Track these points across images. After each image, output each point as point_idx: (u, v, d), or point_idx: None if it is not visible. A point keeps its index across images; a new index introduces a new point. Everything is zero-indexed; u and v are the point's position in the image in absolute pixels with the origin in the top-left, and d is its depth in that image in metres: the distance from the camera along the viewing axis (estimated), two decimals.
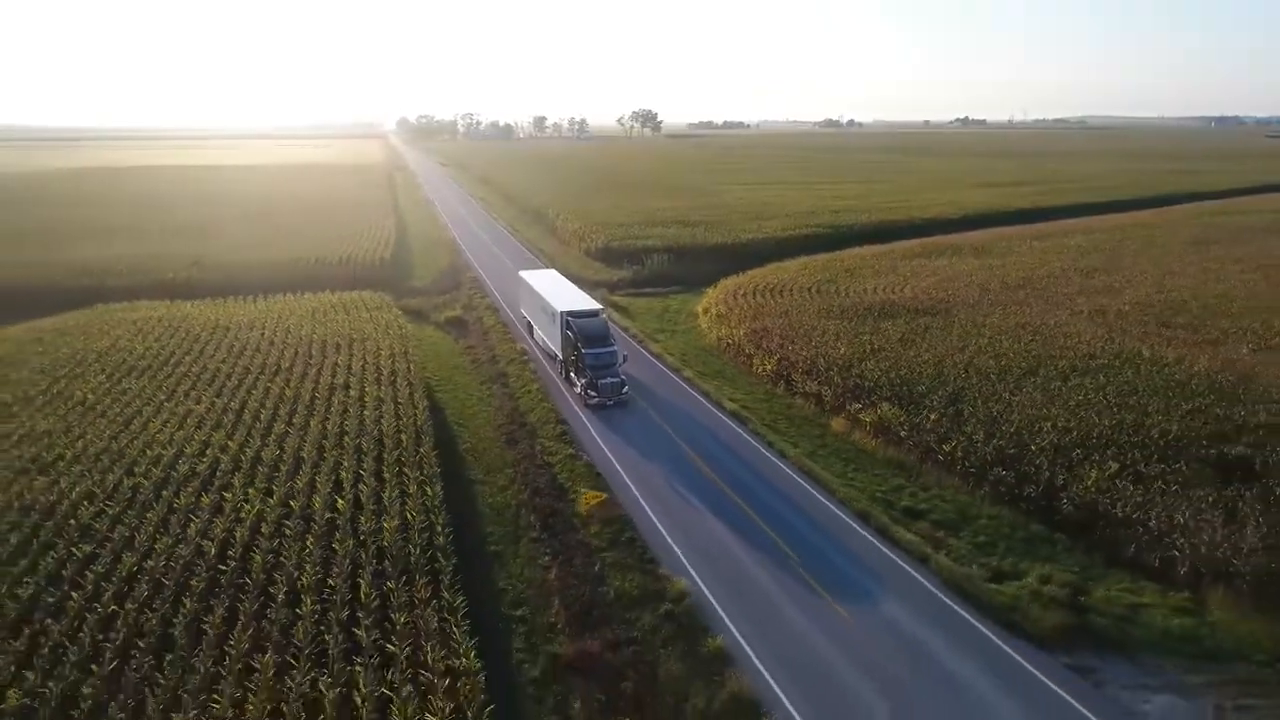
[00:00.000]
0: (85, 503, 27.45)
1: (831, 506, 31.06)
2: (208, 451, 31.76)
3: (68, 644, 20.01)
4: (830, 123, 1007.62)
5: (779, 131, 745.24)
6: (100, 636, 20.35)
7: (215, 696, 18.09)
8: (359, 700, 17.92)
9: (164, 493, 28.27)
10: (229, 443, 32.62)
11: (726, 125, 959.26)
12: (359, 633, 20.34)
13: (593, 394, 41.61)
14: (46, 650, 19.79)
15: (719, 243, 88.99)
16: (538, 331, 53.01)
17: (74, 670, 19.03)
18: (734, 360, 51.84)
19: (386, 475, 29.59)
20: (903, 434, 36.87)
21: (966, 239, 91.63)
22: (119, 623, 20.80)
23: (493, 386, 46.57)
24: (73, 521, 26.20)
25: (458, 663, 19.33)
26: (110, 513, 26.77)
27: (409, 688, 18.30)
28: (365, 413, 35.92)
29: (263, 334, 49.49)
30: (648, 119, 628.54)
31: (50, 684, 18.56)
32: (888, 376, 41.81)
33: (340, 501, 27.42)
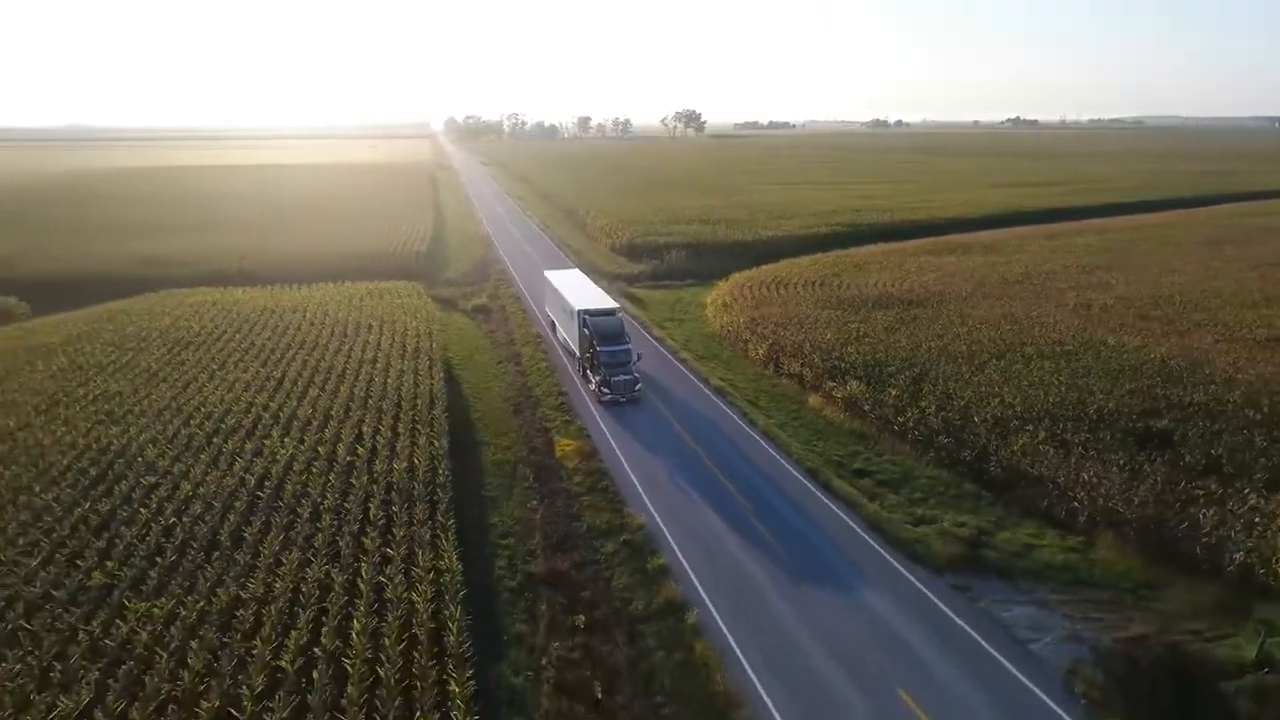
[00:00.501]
0: (150, 446, 32.84)
1: (787, 465, 35.28)
2: (251, 409, 37.07)
3: (137, 544, 25.17)
4: (877, 123, 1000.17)
5: (824, 132, 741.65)
6: (163, 540, 25.50)
7: (250, 580, 23.06)
8: (361, 586, 22.74)
9: (214, 440, 33.58)
10: (270, 403, 37.92)
11: (772, 125, 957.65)
12: (366, 540, 25.20)
13: (606, 391, 42.71)
14: (121, 547, 24.96)
15: (738, 239, 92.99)
16: (560, 330, 54.20)
17: (142, 562, 24.15)
18: (732, 346, 56.00)
19: (401, 430, 34.54)
20: (866, 408, 40.90)
21: (979, 237, 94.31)
22: (177, 530, 25.96)
23: (507, 365, 51.45)
24: (140, 459, 31.57)
25: (443, 563, 24.05)
26: (170, 454, 32.11)
27: (401, 578, 23.07)
28: (388, 381, 41.01)
29: (304, 316, 55.00)
30: (691, 119, 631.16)
31: (124, 570, 23.70)
32: (864, 359, 45.62)
33: (360, 449, 32.47)
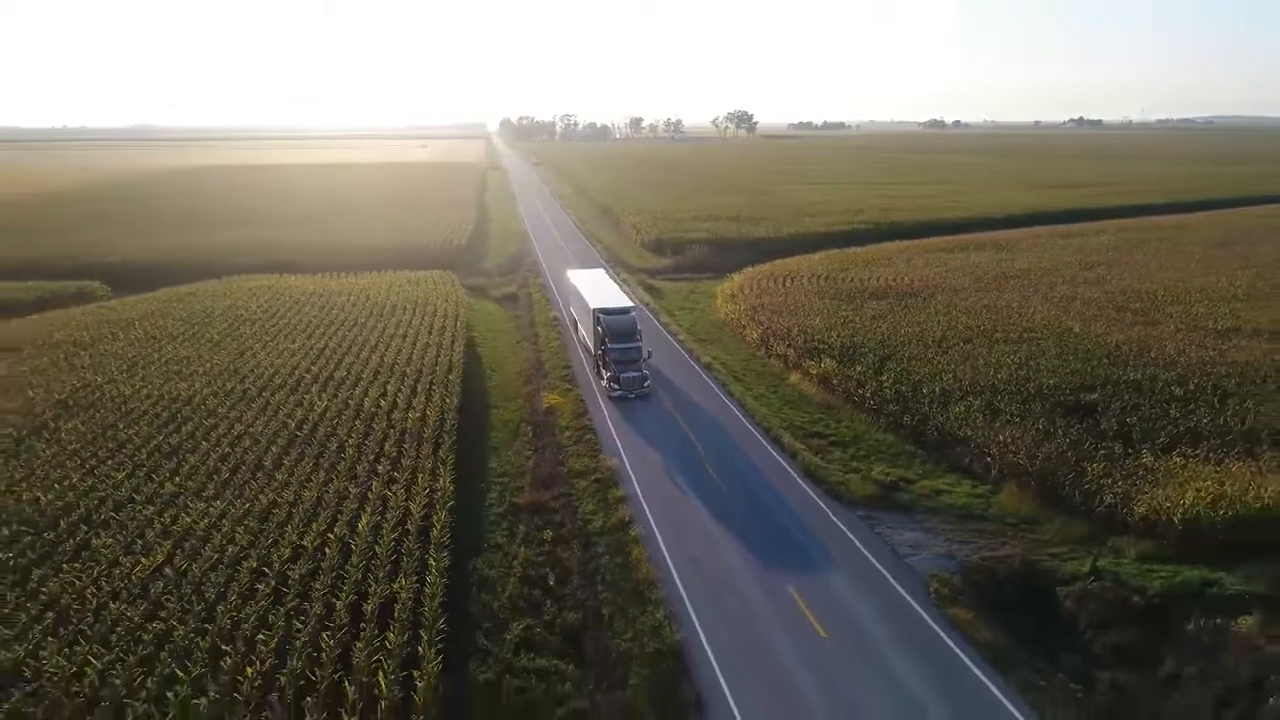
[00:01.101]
0: (211, 397, 39.38)
1: (749, 426, 40.44)
2: (295, 371, 43.48)
3: (199, 465, 31.47)
4: (934, 123, 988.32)
5: (879, 133, 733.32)
6: (219, 463, 31.76)
7: (285, 491, 29.11)
8: (370, 496, 28.62)
9: (263, 394, 39.98)
10: (311, 367, 44.29)
11: (826, 126, 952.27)
12: (379, 467, 31.15)
13: (615, 387, 44.24)
14: (187, 469, 31.27)
15: (760, 236, 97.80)
16: (580, 328, 55.56)
17: (203, 478, 30.40)
18: (732, 331, 61.01)
19: (419, 390, 40.52)
20: (835, 383, 45.71)
21: (997, 236, 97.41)
22: (230, 457, 32.25)
23: (525, 343, 57.35)
24: (203, 407, 38.09)
25: (438, 485, 29.83)
26: (227, 403, 38.59)
27: (403, 493, 28.90)
28: (414, 352, 47.14)
29: (346, 299, 61.60)
30: (743, 120, 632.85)
31: (189, 482, 29.98)
32: (843, 342, 50.32)
33: (383, 403, 38.52)
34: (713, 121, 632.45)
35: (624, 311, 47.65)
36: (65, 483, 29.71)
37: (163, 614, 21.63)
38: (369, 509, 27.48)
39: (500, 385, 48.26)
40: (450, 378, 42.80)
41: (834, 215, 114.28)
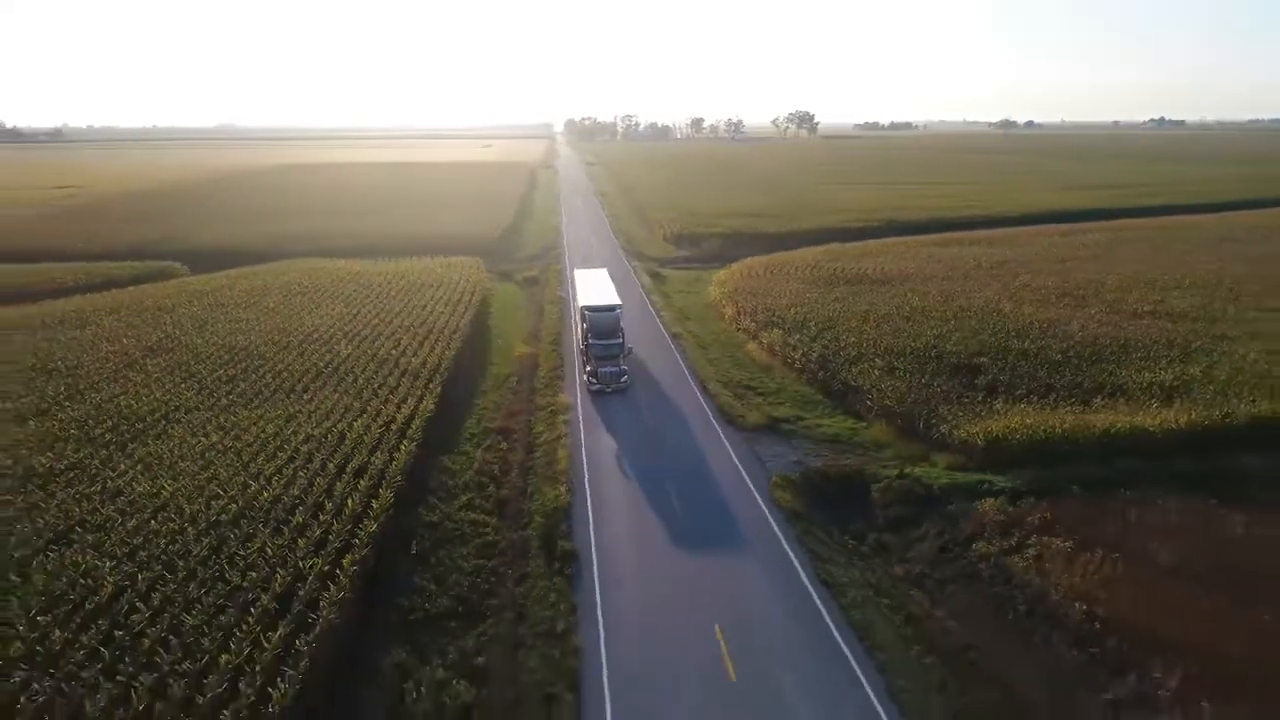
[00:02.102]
0: (262, 346, 49.75)
1: (690, 379, 49.18)
2: (329, 330, 53.68)
3: (250, 389, 41.62)
4: (1006, 124, 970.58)
5: (945, 133, 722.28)
6: (263, 388, 41.87)
7: (306, 405, 39.02)
8: (369, 409, 38.30)
9: (302, 345, 50.21)
10: (344, 327, 54.45)
11: (893, 127, 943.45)
12: (381, 392, 40.88)
13: (593, 381, 46.72)
14: (238, 391, 41.47)
15: (771, 231, 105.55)
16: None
17: (251, 397, 40.51)
18: (714, 310, 69.39)
19: (425, 344, 50.25)
20: (777, 349, 53.99)
21: (998, 233, 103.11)
22: (272, 385, 42.34)
23: (532, 317, 66.80)
24: (255, 353, 48.43)
25: (423, 405, 39.34)
26: (274, 351, 48.85)
27: (395, 409, 38.51)
28: (428, 317, 56.96)
29: (383, 278, 71.93)
30: (803, 120, 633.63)
31: (241, 398, 40.10)
32: (796, 318, 58.35)
33: (394, 351, 48.36)
34: (773, 122, 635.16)
35: (609, 310, 49.85)
36: (151, 397, 40.16)
37: (217, 469, 31.42)
38: (365, 416, 37.15)
39: (502, 347, 57.73)
40: (453, 336, 52.42)
41: (850, 213, 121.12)
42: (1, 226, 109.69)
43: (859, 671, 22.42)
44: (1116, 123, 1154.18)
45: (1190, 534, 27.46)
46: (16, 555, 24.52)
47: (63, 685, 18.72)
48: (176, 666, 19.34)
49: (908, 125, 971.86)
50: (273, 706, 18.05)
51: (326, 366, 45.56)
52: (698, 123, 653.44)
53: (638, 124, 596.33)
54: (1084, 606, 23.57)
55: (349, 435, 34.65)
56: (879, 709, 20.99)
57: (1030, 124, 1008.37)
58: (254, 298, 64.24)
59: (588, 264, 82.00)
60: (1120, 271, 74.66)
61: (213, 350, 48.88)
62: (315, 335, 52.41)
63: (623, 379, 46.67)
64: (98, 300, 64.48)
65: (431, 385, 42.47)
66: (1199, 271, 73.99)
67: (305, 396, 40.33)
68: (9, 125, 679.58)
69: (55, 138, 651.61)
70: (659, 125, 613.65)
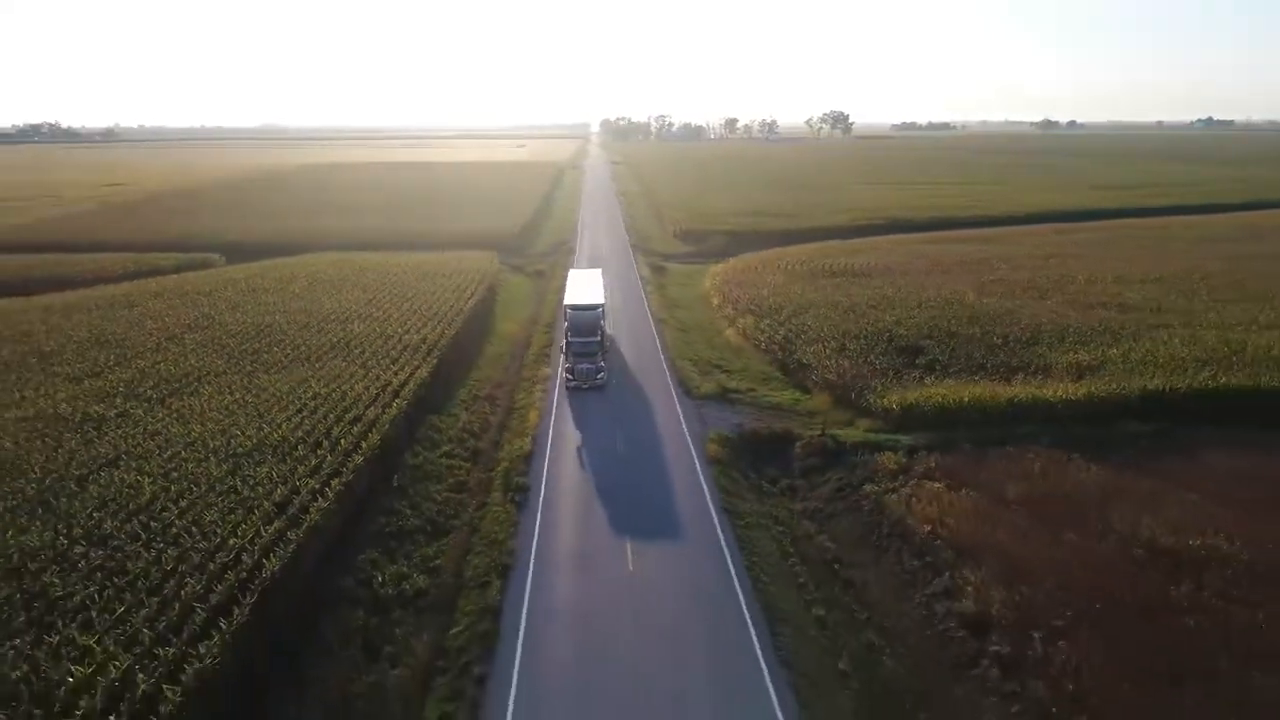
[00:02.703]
0: (286, 325, 56.15)
1: (661, 357, 54.63)
2: (346, 312, 59.99)
3: (270, 359, 47.96)
4: (1046, 124, 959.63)
5: (983, 134, 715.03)
6: (282, 357, 48.18)
7: (321, 371, 45.23)
8: (370, 375, 44.40)
9: (321, 324, 56.53)
10: (359, 310, 60.74)
11: (931, 127, 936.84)
12: (383, 362, 46.98)
13: (570, 377, 47.95)
14: (261, 361, 47.81)
15: (774, 229, 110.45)
16: None
17: (269, 363, 46.84)
18: (702, 300, 74.69)
19: (430, 324, 56.32)
20: (749, 333, 59.23)
21: (994, 232, 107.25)
22: (289, 355, 48.64)
23: (533, 305, 72.70)
24: (278, 330, 54.85)
25: (419, 373, 45.32)
26: (294, 329, 55.22)
27: (394, 376, 44.55)
28: (436, 303, 63.09)
29: (402, 269, 78.31)
30: (837, 120, 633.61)
31: (260, 366, 46.44)
32: (771, 305, 63.50)
33: (401, 329, 54.48)
34: (806, 122, 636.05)
35: (590, 309, 50.90)
36: (186, 364, 46.68)
37: (237, 416, 37.56)
38: (367, 379, 43.25)
39: (503, 331, 63.68)
40: (455, 318, 58.48)
41: (859, 212, 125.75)
42: (59, 221, 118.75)
43: (733, 572, 27.78)
44: (1160, 123, 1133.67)
45: (1041, 479, 32.33)
46: (77, 473, 30.84)
47: (112, 554, 24.84)
48: (195, 545, 25.34)
49: (945, 126, 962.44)
50: (266, 573, 23.95)
51: (339, 341, 51.80)
52: (731, 123, 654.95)
53: (671, 124, 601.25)
54: (930, 529, 28.67)
55: (350, 394, 40.70)
56: (741, 597, 26.33)
57: (1073, 124, 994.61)
58: (282, 285, 70.94)
59: (596, 258, 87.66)
60: (1098, 268, 78.22)
61: (242, 328, 55.42)
62: (333, 316, 58.76)
63: (599, 375, 47.77)
64: (144, 285, 71.82)
65: (429, 357, 48.49)
66: (1173, 268, 77.34)
67: (318, 365, 46.54)
68: (65, 126, 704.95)
69: (108, 137, 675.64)
70: (692, 125, 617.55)
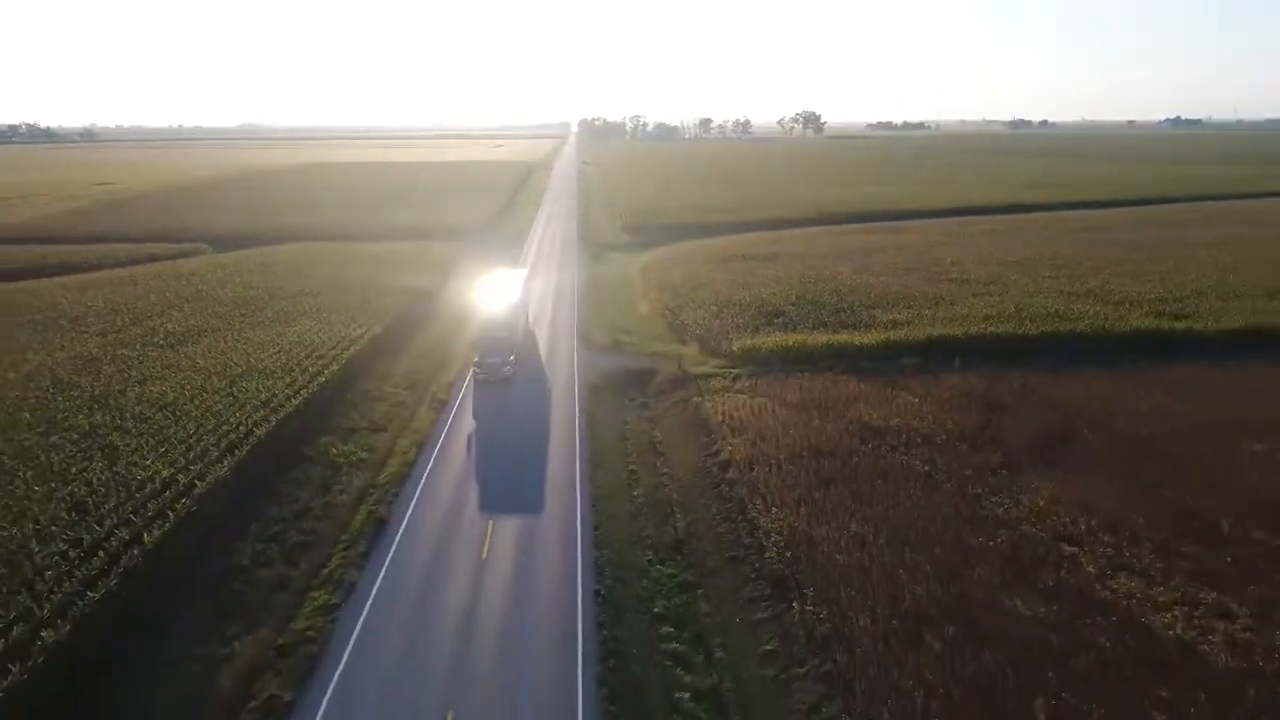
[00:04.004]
0: (266, 298, 68.14)
1: (574, 319, 66.99)
2: (320, 287, 71.98)
3: (257, 321, 60.00)
4: (1019, 123, 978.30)
5: (953, 133, 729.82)
6: (268, 320, 60.23)
7: (299, 326, 57.36)
8: (336, 333, 56.57)
9: (295, 296, 68.58)
10: (332, 286, 72.76)
11: (906, 126, 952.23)
12: (346, 324, 59.21)
13: (479, 370, 51.38)
14: (249, 323, 59.85)
15: (711, 222, 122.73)
16: None
17: (255, 323, 58.87)
18: (627, 282, 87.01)
19: (387, 297, 68.41)
20: (656, 306, 71.68)
21: (905, 225, 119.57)
22: (274, 318, 60.73)
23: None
24: (263, 302, 66.83)
25: (374, 330, 57.51)
26: (277, 300, 67.21)
27: (352, 334, 56.77)
28: (397, 281, 75.20)
29: (371, 256, 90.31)
30: (809, 120, 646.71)
31: (247, 324, 58.50)
32: (678, 283, 75.98)
33: (361, 300, 66.62)
34: (778, 122, 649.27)
35: (504, 311, 54.83)
36: (187, 324, 58.65)
37: (230, 355, 49.48)
38: (329, 333, 55.41)
39: (452, 305, 75.88)
40: (410, 292, 70.63)
41: (795, 206, 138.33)
42: (58, 216, 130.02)
43: (578, 444, 40.42)
44: (1131, 122, 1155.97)
45: (818, 391, 44.89)
46: (117, 387, 43.03)
47: (155, 427, 37.11)
48: (209, 423, 37.60)
49: (921, 125, 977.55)
50: (254, 437, 36.22)
51: (310, 309, 63.90)
52: (705, 123, 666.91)
53: (646, 124, 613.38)
54: (722, 419, 41.29)
55: (316, 342, 52.93)
56: (578, 455, 38.90)
57: (1045, 123, 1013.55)
58: (264, 267, 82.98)
59: (546, 245, 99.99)
60: (971, 253, 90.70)
61: (230, 299, 67.49)
62: (306, 291, 70.77)
63: (504, 369, 51.09)
64: (145, 269, 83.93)
65: (383, 319, 60.69)
66: (1034, 253, 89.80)
67: (292, 325, 58.65)
68: (43, 126, 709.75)
69: (87, 137, 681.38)
70: (667, 125, 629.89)
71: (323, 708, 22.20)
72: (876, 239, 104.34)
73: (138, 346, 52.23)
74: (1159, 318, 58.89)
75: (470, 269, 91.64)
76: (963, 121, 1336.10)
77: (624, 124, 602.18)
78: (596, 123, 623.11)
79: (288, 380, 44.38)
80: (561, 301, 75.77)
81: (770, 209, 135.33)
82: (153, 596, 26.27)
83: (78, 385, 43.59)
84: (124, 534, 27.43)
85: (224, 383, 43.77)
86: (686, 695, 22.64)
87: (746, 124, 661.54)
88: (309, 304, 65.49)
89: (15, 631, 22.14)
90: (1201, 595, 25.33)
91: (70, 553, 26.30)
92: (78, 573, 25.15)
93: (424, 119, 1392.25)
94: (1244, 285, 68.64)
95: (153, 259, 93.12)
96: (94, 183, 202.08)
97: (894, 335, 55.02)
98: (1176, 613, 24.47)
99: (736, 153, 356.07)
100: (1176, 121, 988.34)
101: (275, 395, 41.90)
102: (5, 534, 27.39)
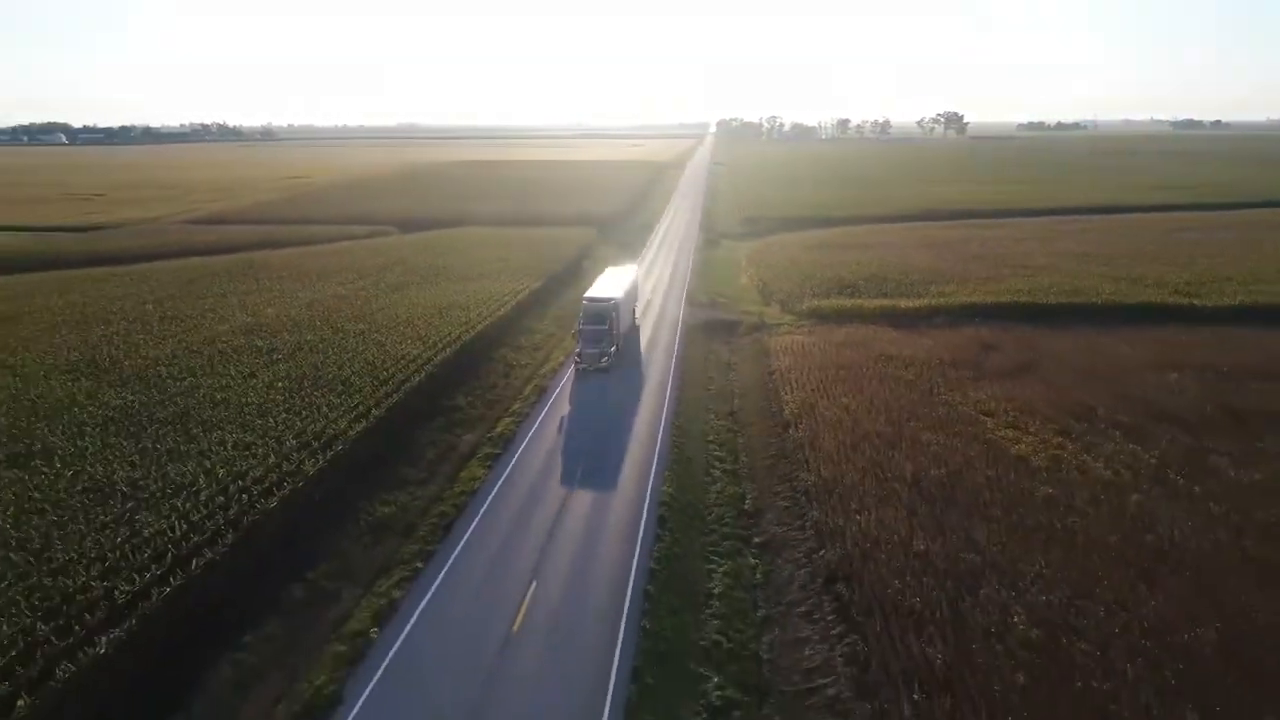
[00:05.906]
0: (447, 266, 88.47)
1: (682, 288, 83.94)
2: (484, 259, 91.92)
3: (439, 279, 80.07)
4: (1188, 123, 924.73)
5: (1109, 135, 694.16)
6: (444, 280, 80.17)
7: (469, 288, 76.93)
8: (491, 293, 75.72)
9: (470, 264, 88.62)
10: (494, 258, 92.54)
11: (1059, 127, 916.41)
12: (501, 285, 78.42)
13: (578, 359, 55.41)
14: (437, 280, 79.96)
15: (819, 215, 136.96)
16: None
17: (435, 281, 78.85)
18: (734, 263, 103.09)
19: (538, 266, 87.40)
20: (757, 279, 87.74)
21: (996, 222, 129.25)
22: (452, 281, 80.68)
23: (613, 261, 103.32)
24: (442, 269, 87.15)
25: (523, 290, 76.33)
26: (457, 266, 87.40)
27: (506, 292, 75.77)
28: (533, 261, 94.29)
29: (524, 238, 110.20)
30: (951, 120, 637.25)
31: (434, 286, 78.59)
32: (779, 264, 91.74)
33: (518, 269, 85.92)
34: (918, 123, 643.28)
35: (605, 300, 56.85)
36: (398, 279, 79.22)
37: (431, 302, 69.09)
38: (486, 293, 74.52)
39: (590, 271, 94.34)
40: (555, 262, 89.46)
41: (903, 204, 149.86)
42: (269, 204, 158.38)
43: (674, 362, 57.54)
44: None
45: (859, 335, 60.03)
46: (367, 311, 63.46)
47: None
48: (429, 330, 56.93)
49: (1075, 126, 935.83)
50: (462, 339, 55.10)
51: (485, 273, 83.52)
52: (843, 124, 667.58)
53: (782, 124, 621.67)
54: (782, 349, 57.34)
55: (493, 291, 72.15)
56: (671, 371, 55.95)
57: (1217, 124, 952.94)
58: (445, 243, 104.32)
59: (669, 237, 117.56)
60: (1050, 248, 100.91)
61: (424, 265, 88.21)
62: (478, 259, 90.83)
63: (602, 360, 54.88)
64: (350, 244, 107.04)
65: (530, 282, 79.40)
66: (1105, 250, 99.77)
67: (474, 282, 78.24)
68: (231, 125, 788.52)
69: (266, 135, 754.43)
70: (803, 126, 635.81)
71: (516, 457, 40.78)
72: (963, 233, 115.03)
73: (370, 290, 73.14)
74: (1172, 294, 70.08)
75: (603, 252, 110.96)
76: (1127, 121, 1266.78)
77: (760, 124, 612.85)
78: (733, 123, 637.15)
79: (476, 313, 63.60)
80: (676, 274, 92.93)
81: (881, 206, 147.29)
82: (420, 414, 45.46)
83: (341, 310, 64.28)
84: (401, 379, 46.75)
85: (435, 311, 63.35)
86: (717, 470, 39.47)
87: (885, 125, 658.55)
88: (482, 269, 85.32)
89: (349, 417, 41.21)
90: (1054, 439, 39.78)
91: (377, 390, 45.64)
92: (380, 391, 44.46)
93: (566, 119, 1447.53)
94: (1269, 271, 78.19)
95: (350, 238, 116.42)
96: (285, 176, 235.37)
97: (935, 302, 69.17)
98: (1029, 444, 39.12)
99: (870, 153, 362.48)
100: None
101: (470, 319, 61.07)
102: (332, 375, 47.03)
